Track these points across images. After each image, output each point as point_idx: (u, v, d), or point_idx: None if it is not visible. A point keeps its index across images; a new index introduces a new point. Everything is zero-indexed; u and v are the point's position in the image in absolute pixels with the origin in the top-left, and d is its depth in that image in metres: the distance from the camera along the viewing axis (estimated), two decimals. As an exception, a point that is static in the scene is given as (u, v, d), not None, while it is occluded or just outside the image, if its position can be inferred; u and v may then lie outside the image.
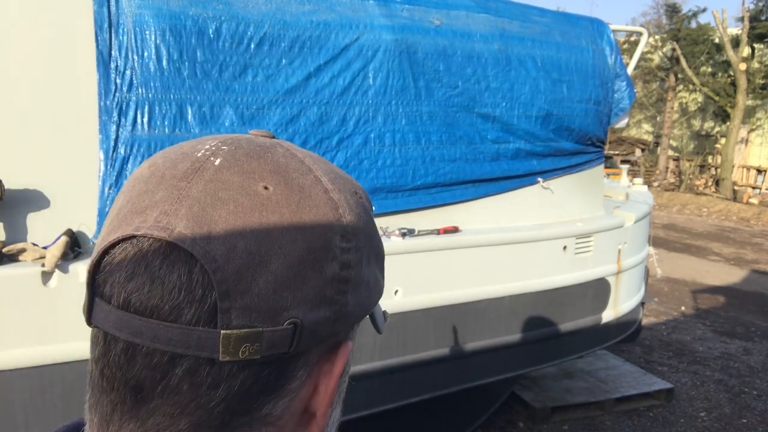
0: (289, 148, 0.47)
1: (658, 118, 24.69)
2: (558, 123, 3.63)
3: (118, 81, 2.40)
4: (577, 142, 3.76)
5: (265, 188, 0.42)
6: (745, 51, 19.44)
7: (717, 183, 19.76)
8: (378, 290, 0.48)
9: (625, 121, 4.34)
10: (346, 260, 0.44)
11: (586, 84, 3.77)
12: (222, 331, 0.39)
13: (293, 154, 0.46)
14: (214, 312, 0.39)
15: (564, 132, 3.67)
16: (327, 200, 0.44)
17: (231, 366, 0.40)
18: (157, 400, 0.40)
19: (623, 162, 19.10)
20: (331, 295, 0.43)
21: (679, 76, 22.39)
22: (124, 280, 0.40)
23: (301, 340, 0.41)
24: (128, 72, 2.41)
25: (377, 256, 0.48)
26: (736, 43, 19.17)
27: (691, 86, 22.47)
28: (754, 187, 19.28)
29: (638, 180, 5.77)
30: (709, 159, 21.89)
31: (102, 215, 2.38)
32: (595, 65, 3.83)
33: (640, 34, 5.05)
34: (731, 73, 19.92)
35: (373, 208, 0.51)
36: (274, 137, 0.49)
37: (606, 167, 4.77)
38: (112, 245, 0.41)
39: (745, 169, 20.37)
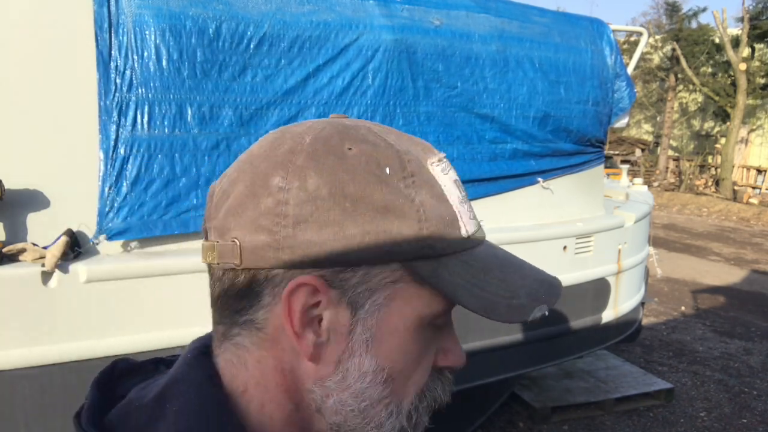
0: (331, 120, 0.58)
1: (658, 118, 24.69)
2: (556, 124, 3.63)
3: (118, 81, 2.40)
4: (575, 143, 3.76)
5: (258, 149, 0.56)
6: (745, 51, 19.44)
7: (717, 183, 19.76)
8: (342, 234, 0.51)
9: (625, 121, 4.34)
10: (282, 198, 0.51)
11: (583, 85, 3.77)
12: (203, 242, 0.59)
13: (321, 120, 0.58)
14: (206, 231, 0.59)
15: (562, 133, 3.67)
16: (288, 149, 0.53)
17: (214, 269, 0.57)
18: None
19: (623, 162, 19.10)
20: (267, 225, 0.52)
21: (679, 76, 22.39)
22: None
23: (244, 256, 0.53)
24: (128, 72, 2.41)
25: (356, 203, 0.51)
26: (736, 43, 19.17)
27: (691, 86, 22.48)
28: (754, 187, 19.27)
29: (638, 180, 5.77)
30: (709, 159, 21.89)
31: (102, 215, 2.38)
32: (594, 66, 3.83)
33: (640, 34, 5.05)
34: (731, 73, 19.92)
35: (402, 171, 0.54)
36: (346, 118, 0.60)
37: (606, 167, 4.77)
38: None
39: (745, 169, 20.37)
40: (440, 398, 0.59)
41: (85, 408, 0.58)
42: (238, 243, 0.53)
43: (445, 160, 0.58)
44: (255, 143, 0.58)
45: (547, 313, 0.54)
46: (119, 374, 0.64)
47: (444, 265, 0.53)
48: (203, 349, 0.60)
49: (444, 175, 0.56)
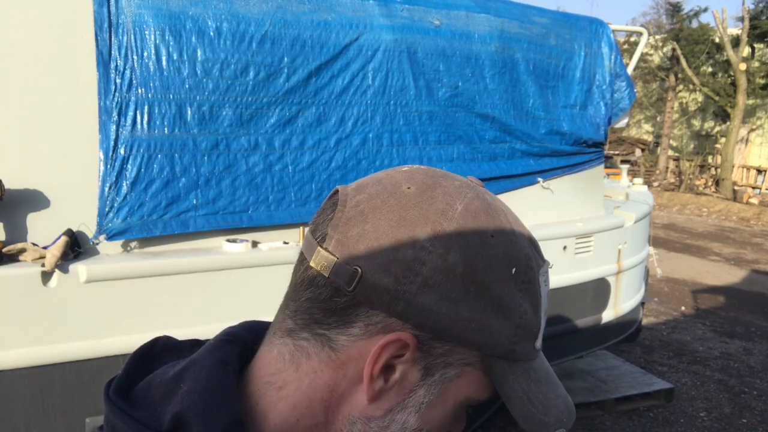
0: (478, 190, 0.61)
1: (658, 118, 24.69)
2: (548, 126, 3.65)
3: (118, 81, 2.40)
4: (571, 145, 3.77)
5: (408, 188, 0.57)
6: (745, 51, 19.43)
7: (717, 183, 19.76)
8: (453, 312, 0.54)
9: (625, 121, 4.34)
10: (422, 257, 0.53)
11: (570, 90, 3.78)
12: (318, 246, 0.56)
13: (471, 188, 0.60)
14: (325, 235, 0.56)
15: (556, 135, 3.68)
16: (441, 210, 0.55)
17: (317, 276, 0.55)
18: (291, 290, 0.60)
19: (623, 162, 19.10)
20: (397, 273, 0.53)
21: (679, 76, 22.38)
22: None
23: (359, 287, 0.53)
24: (128, 72, 2.42)
25: (479, 291, 0.54)
26: (736, 42, 19.16)
27: (691, 86, 22.47)
28: (754, 187, 19.27)
29: (638, 180, 5.77)
30: (709, 159, 21.89)
31: (102, 215, 2.38)
32: (585, 70, 3.84)
33: (640, 34, 5.05)
34: (731, 73, 19.92)
35: (527, 270, 0.57)
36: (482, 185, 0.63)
37: (606, 167, 4.77)
38: None
39: (745, 169, 20.37)
40: None
41: (117, 377, 0.60)
42: (360, 273, 0.54)
43: (548, 267, 0.61)
44: (400, 173, 0.60)
45: None
46: (159, 350, 0.66)
47: (513, 369, 0.58)
48: (229, 336, 0.63)
49: (545, 286, 0.59)
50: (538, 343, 0.60)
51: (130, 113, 2.42)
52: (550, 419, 0.59)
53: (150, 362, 0.64)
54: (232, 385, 0.57)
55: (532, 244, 0.60)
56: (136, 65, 2.43)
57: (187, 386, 0.57)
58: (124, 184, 2.41)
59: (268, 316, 0.67)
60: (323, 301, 0.56)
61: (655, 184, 21.11)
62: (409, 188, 0.57)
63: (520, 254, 0.57)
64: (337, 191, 0.60)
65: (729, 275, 9.50)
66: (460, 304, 0.54)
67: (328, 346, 0.56)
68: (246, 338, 0.63)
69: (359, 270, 0.53)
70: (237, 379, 0.59)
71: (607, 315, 4.01)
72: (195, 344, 0.66)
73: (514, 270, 0.56)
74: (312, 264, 0.56)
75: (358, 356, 0.56)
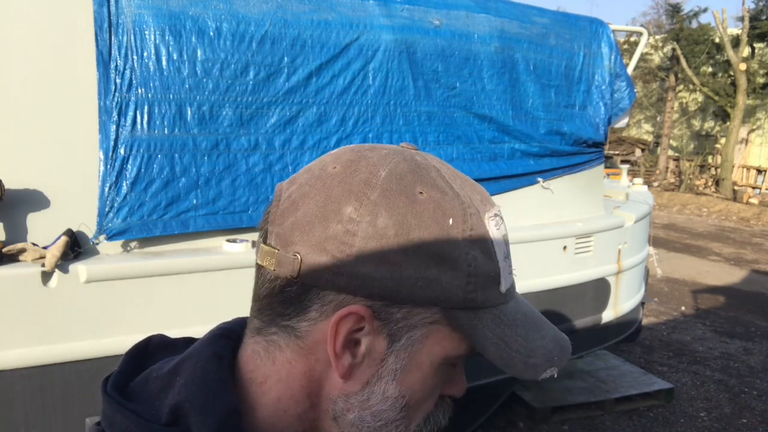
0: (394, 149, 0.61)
1: (658, 118, 24.69)
2: (548, 126, 3.65)
3: (118, 81, 2.40)
4: (571, 145, 3.77)
5: (333, 168, 0.58)
6: (745, 51, 19.43)
7: (717, 183, 19.76)
8: (397, 273, 0.55)
9: (625, 121, 4.34)
10: (351, 229, 0.54)
11: (571, 90, 3.78)
12: (262, 244, 0.59)
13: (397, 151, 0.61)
14: (266, 232, 0.59)
15: (556, 135, 3.68)
16: (364, 180, 0.56)
17: (267, 272, 0.58)
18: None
19: (623, 162, 19.10)
20: (332, 250, 0.54)
21: (679, 76, 22.37)
22: None
23: (302, 271, 0.55)
24: (128, 72, 2.42)
25: (417, 248, 0.55)
26: (736, 43, 19.16)
27: (691, 86, 22.46)
28: (754, 187, 19.27)
29: (638, 180, 5.77)
30: (709, 159, 21.88)
31: (102, 215, 2.38)
32: (584, 70, 3.84)
33: (640, 34, 5.05)
34: (731, 73, 19.92)
35: (467, 224, 0.57)
36: (416, 149, 0.63)
37: (606, 167, 4.77)
38: None
39: (745, 169, 20.36)
40: (440, 422, 0.64)
41: (113, 374, 0.62)
42: (299, 258, 0.55)
43: (499, 213, 0.62)
44: (329, 155, 0.61)
45: (556, 375, 0.59)
46: (153, 348, 0.68)
47: (479, 317, 0.58)
48: (223, 331, 0.65)
49: (496, 229, 0.60)
50: (503, 287, 0.59)
51: (130, 113, 2.42)
52: (537, 360, 0.58)
53: (145, 360, 0.65)
54: (227, 377, 0.59)
55: (475, 191, 0.62)
56: (136, 65, 2.43)
57: (183, 379, 0.58)
58: (124, 184, 2.41)
59: (268, 316, 0.69)
60: (278, 293, 0.58)
61: (655, 184, 21.11)
62: (334, 168, 0.58)
63: (455, 203, 0.57)
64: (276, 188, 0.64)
65: (729, 275, 9.50)
66: (402, 264, 0.54)
67: (294, 335, 0.58)
68: (239, 333, 0.65)
69: (298, 255, 0.55)
70: (231, 372, 0.61)
71: (607, 315, 4.01)
72: (189, 341, 0.68)
73: (450, 221, 0.56)
74: (259, 262, 0.59)
75: (323, 338, 0.57)
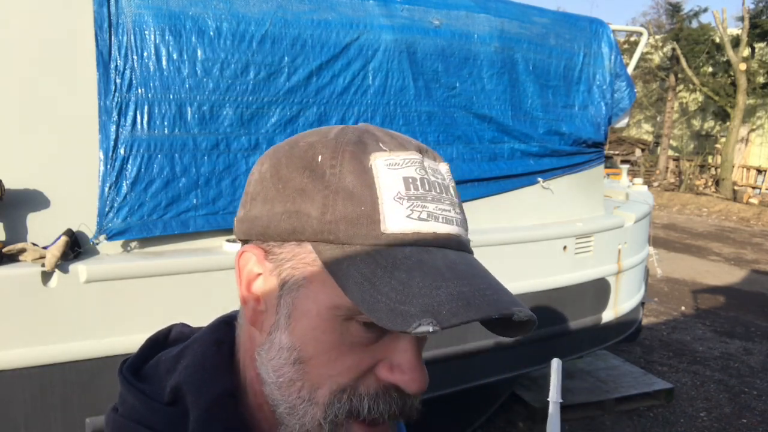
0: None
1: (658, 118, 24.69)
2: (547, 126, 3.65)
3: (118, 81, 2.40)
4: (571, 145, 3.77)
5: None
6: (745, 51, 19.43)
7: (717, 183, 19.76)
8: (269, 211, 0.58)
9: (626, 121, 4.34)
10: (248, 179, 0.62)
11: (570, 90, 3.78)
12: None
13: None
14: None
15: (555, 135, 3.68)
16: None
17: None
18: None
19: (623, 162, 19.10)
20: (241, 201, 0.62)
21: (679, 76, 22.37)
22: None
23: (235, 231, 0.62)
24: (128, 72, 2.41)
25: (285, 185, 0.58)
26: (736, 42, 19.16)
27: (691, 86, 22.46)
28: (754, 187, 19.27)
29: (638, 180, 5.77)
30: (709, 159, 21.88)
31: (102, 215, 2.38)
32: (584, 71, 3.84)
33: (640, 34, 5.06)
34: (731, 73, 19.92)
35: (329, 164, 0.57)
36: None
37: (606, 167, 4.77)
38: None
39: (745, 169, 20.36)
40: (381, 414, 0.56)
41: (131, 357, 0.66)
42: (235, 222, 0.63)
43: (408, 157, 0.57)
44: None
45: (432, 330, 0.49)
46: (174, 336, 0.71)
47: (349, 255, 0.54)
48: (227, 318, 0.68)
49: (389, 169, 0.55)
50: (389, 228, 0.54)
51: (130, 113, 2.42)
52: (410, 308, 0.49)
53: (162, 346, 0.69)
54: (225, 362, 0.62)
55: (372, 136, 0.58)
56: (136, 65, 2.43)
57: (185, 362, 0.62)
58: (124, 184, 2.41)
59: (268, 316, 0.69)
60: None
61: (655, 184, 21.11)
62: None
63: (330, 144, 0.57)
64: None
65: (729, 275, 9.50)
66: (275, 201, 0.57)
67: (241, 302, 0.62)
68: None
69: (235, 221, 0.62)
70: (231, 358, 0.64)
71: (607, 315, 4.01)
72: None
73: (319, 157, 0.56)
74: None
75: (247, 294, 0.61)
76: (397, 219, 0.54)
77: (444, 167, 0.60)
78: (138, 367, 0.65)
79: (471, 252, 0.60)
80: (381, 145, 0.57)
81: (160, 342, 0.69)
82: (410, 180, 0.56)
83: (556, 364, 0.81)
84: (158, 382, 0.62)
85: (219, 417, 0.59)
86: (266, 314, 0.59)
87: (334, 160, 0.56)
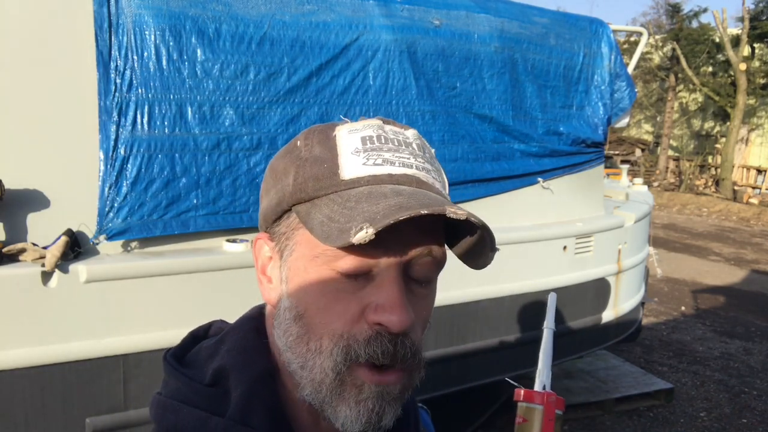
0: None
1: (658, 118, 24.69)
2: (546, 127, 3.65)
3: (118, 81, 2.40)
4: (570, 145, 3.76)
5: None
6: (746, 51, 19.43)
7: (717, 183, 19.76)
8: (269, 198, 0.67)
9: (626, 121, 4.34)
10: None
11: (568, 90, 3.78)
12: None
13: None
14: None
15: (554, 136, 3.68)
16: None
17: None
18: None
19: (623, 162, 19.09)
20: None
21: (679, 76, 22.37)
22: None
23: (259, 217, 0.70)
24: (128, 72, 2.41)
25: (274, 169, 0.67)
26: (736, 42, 19.16)
27: (691, 86, 22.46)
28: (754, 187, 19.27)
29: (638, 180, 5.77)
30: (709, 159, 21.88)
31: (102, 215, 2.38)
32: (583, 71, 3.84)
33: (640, 34, 5.06)
34: (731, 73, 19.92)
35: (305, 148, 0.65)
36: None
37: (606, 167, 4.77)
38: None
39: (745, 169, 20.36)
40: (376, 356, 0.59)
41: (173, 348, 0.72)
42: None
43: (368, 123, 0.64)
44: None
45: (366, 231, 0.54)
46: (213, 331, 0.76)
47: (315, 204, 0.61)
48: (263, 308, 0.73)
49: (349, 134, 0.63)
50: (347, 175, 0.61)
51: (130, 113, 2.42)
52: (353, 223, 0.55)
53: (202, 340, 0.74)
54: (263, 346, 0.68)
55: (345, 120, 0.66)
56: (136, 65, 2.42)
57: (227, 346, 0.68)
58: (124, 184, 2.41)
59: (269, 316, 0.70)
60: None
61: (655, 184, 21.11)
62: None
63: (312, 127, 0.66)
64: None
65: (729, 275, 9.50)
66: (271, 190, 0.66)
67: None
68: None
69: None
70: (267, 343, 0.69)
71: (607, 315, 4.01)
72: None
73: (298, 142, 0.65)
74: None
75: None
76: (354, 167, 0.61)
77: (411, 132, 0.66)
78: (180, 357, 0.71)
79: (439, 195, 0.63)
80: (347, 120, 0.65)
81: (200, 336, 0.75)
82: (367, 137, 0.63)
83: (552, 297, 0.95)
84: (199, 368, 0.67)
85: (260, 394, 0.63)
86: (274, 290, 0.66)
87: (307, 140, 0.64)
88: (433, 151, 0.69)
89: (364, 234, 0.54)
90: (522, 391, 0.81)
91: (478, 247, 0.64)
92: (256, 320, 0.71)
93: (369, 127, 0.64)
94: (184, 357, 0.71)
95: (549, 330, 0.92)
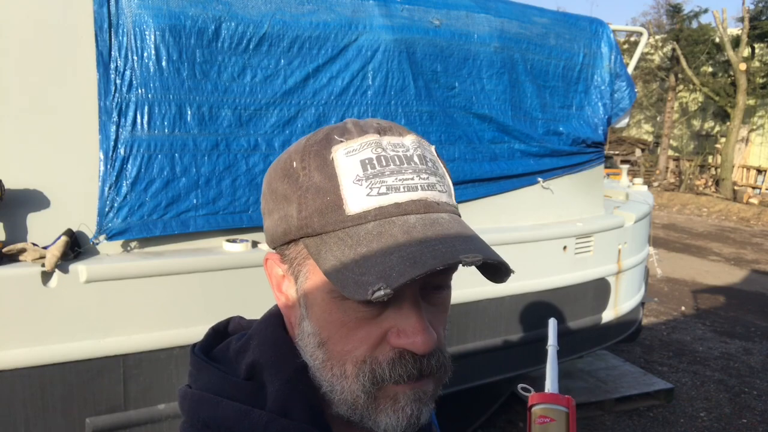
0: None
1: (658, 118, 24.69)
2: (545, 127, 3.65)
3: (118, 81, 2.40)
4: (570, 145, 3.76)
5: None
6: (745, 51, 19.43)
7: (717, 183, 19.76)
8: (272, 221, 0.66)
9: (626, 121, 4.34)
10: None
11: (568, 91, 3.78)
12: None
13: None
14: None
15: (554, 136, 3.68)
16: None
17: None
18: None
19: (623, 162, 19.10)
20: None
21: (680, 76, 22.37)
22: None
23: (265, 233, 0.69)
24: (128, 72, 2.41)
25: (274, 192, 0.66)
26: (736, 43, 19.16)
27: (691, 86, 22.46)
28: (754, 187, 19.27)
29: (638, 180, 5.77)
30: (709, 159, 21.88)
31: (102, 215, 2.38)
32: (583, 71, 3.84)
33: (640, 34, 5.05)
34: (731, 73, 19.92)
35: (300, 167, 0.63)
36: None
37: (606, 167, 4.77)
38: None
39: (745, 169, 20.36)
40: (401, 377, 0.60)
41: (198, 343, 0.73)
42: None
43: (364, 141, 0.62)
44: None
45: (384, 292, 0.53)
46: (233, 327, 0.77)
47: (324, 242, 0.60)
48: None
49: (347, 157, 0.61)
50: (352, 209, 0.59)
51: (130, 113, 2.42)
52: (370, 278, 0.55)
53: (224, 336, 0.76)
54: (291, 340, 0.68)
55: (340, 129, 0.64)
56: (136, 66, 2.42)
57: (256, 341, 0.69)
58: (124, 184, 2.41)
59: (268, 316, 0.72)
60: None
61: (655, 184, 21.11)
62: None
63: (304, 147, 0.64)
64: None
65: (729, 275, 9.50)
66: (273, 212, 0.65)
67: None
68: None
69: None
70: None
71: (607, 315, 4.01)
72: None
73: (294, 163, 0.63)
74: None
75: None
76: (358, 200, 0.60)
77: (409, 139, 0.65)
78: (206, 351, 0.72)
79: (447, 210, 0.64)
80: (343, 136, 0.63)
81: (221, 332, 0.76)
82: (367, 161, 0.61)
83: (552, 321, 1.00)
84: (228, 362, 0.69)
85: (298, 388, 0.64)
86: (293, 309, 0.67)
87: (303, 162, 0.62)
88: (433, 148, 0.68)
89: (381, 294, 0.54)
90: (545, 394, 0.84)
91: (494, 270, 0.64)
92: (281, 317, 0.71)
93: (367, 146, 0.61)
94: (210, 352, 0.72)
95: (553, 347, 0.96)
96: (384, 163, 0.61)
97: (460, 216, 0.67)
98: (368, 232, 0.59)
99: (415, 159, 0.63)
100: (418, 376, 0.61)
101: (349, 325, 0.61)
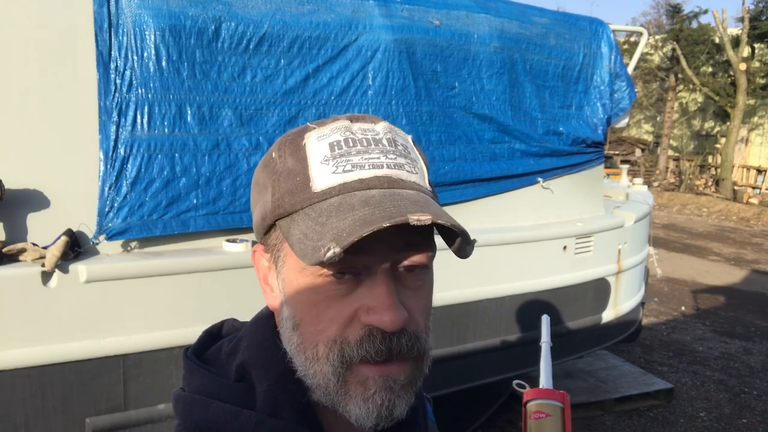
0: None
1: (658, 118, 24.69)
2: (545, 127, 3.65)
3: (118, 81, 2.40)
4: (570, 145, 3.76)
5: None
6: (745, 51, 19.43)
7: (717, 183, 19.76)
8: (256, 211, 0.69)
9: (626, 121, 4.34)
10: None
11: (568, 91, 3.78)
12: None
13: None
14: None
15: (554, 136, 3.68)
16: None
17: None
18: None
19: (623, 162, 19.10)
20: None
21: (680, 76, 22.36)
22: None
23: (254, 228, 0.71)
24: (128, 72, 2.41)
25: (257, 182, 0.69)
26: (736, 43, 19.16)
27: (691, 86, 22.46)
28: (754, 187, 19.27)
29: (638, 180, 5.77)
30: (709, 159, 21.88)
31: (102, 215, 2.38)
32: (583, 71, 3.84)
33: (640, 34, 5.05)
34: (731, 73, 19.92)
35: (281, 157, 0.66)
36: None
37: (606, 167, 4.77)
38: None
39: (745, 169, 20.36)
40: (369, 355, 0.60)
41: (192, 347, 0.74)
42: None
43: (335, 126, 0.64)
44: None
45: (333, 251, 0.55)
46: (226, 329, 0.78)
47: (294, 219, 0.63)
48: None
49: (317, 141, 0.63)
50: (319, 186, 0.61)
51: (130, 113, 2.42)
52: (324, 241, 0.57)
53: (217, 338, 0.77)
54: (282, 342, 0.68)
55: (319, 121, 0.67)
56: (136, 65, 2.42)
57: (246, 343, 0.70)
58: (124, 184, 2.41)
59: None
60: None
61: (655, 184, 21.11)
62: None
63: (285, 136, 0.67)
64: None
65: (729, 275, 9.50)
66: (257, 203, 0.68)
67: None
68: None
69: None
70: None
71: (607, 315, 4.01)
72: None
73: (273, 154, 0.66)
74: None
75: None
76: (324, 177, 0.62)
77: (381, 125, 0.66)
78: (199, 354, 0.73)
79: (415, 189, 0.64)
80: (317, 124, 0.66)
81: (214, 334, 0.78)
82: (335, 143, 0.63)
83: (545, 318, 1.03)
84: (220, 365, 0.70)
85: (286, 388, 0.65)
86: (276, 297, 0.68)
87: (280, 151, 0.66)
88: (409, 138, 0.69)
89: (332, 254, 0.55)
90: (540, 390, 0.85)
91: (455, 238, 0.65)
92: (271, 318, 0.72)
93: (337, 130, 0.64)
94: (203, 354, 0.73)
95: (546, 344, 0.98)
96: (351, 144, 0.63)
97: (434, 199, 0.67)
98: (330, 205, 0.61)
99: (384, 141, 0.64)
100: (387, 355, 0.60)
101: (320, 305, 0.62)
